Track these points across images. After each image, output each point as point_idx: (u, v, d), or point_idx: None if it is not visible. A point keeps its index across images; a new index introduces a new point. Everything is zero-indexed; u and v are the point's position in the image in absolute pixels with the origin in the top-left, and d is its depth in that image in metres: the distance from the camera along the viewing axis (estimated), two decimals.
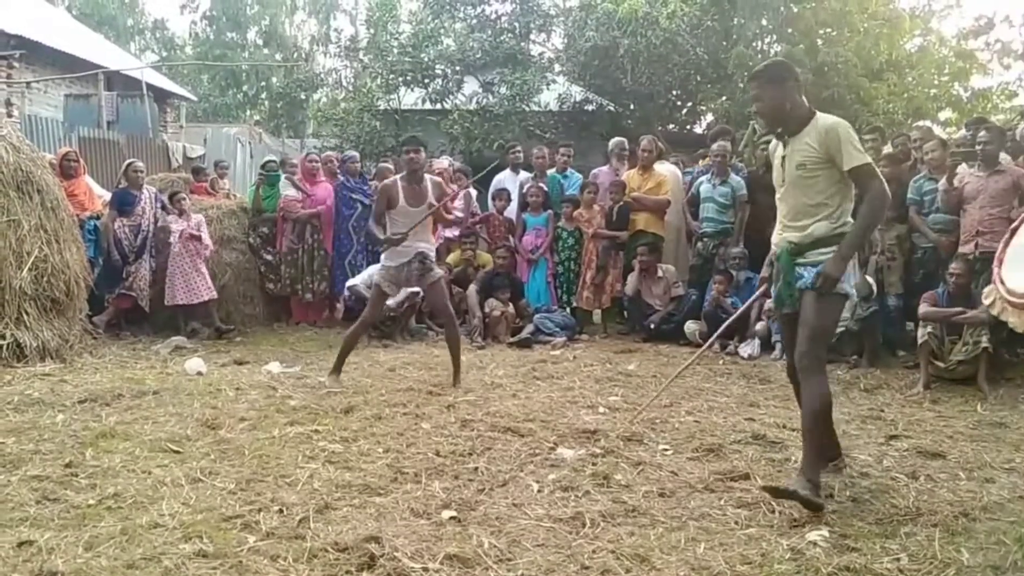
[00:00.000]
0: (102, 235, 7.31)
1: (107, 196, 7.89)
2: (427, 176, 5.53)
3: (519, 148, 9.18)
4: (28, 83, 13.79)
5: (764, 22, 15.80)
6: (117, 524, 2.83)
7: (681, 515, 3.08)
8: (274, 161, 8.82)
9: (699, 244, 7.65)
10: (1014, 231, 4.28)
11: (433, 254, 5.50)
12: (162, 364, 6.09)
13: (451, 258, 8.27)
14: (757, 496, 3.24)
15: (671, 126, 16.54)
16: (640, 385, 5.54)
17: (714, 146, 7.69)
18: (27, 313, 5.98)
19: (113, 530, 2.78)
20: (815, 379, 3.23)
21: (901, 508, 3.13)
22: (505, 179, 8.79)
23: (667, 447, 4.01)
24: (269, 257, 8.23)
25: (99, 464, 3.54)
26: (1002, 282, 3.95)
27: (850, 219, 3.29)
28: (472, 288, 7.60)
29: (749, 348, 6.80)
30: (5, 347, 5.75)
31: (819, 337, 3.27)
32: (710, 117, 16.29)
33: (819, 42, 15.13)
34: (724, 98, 15.17)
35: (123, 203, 7.38)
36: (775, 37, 16.20)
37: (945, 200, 6.19)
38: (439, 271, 5.50)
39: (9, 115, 11.90)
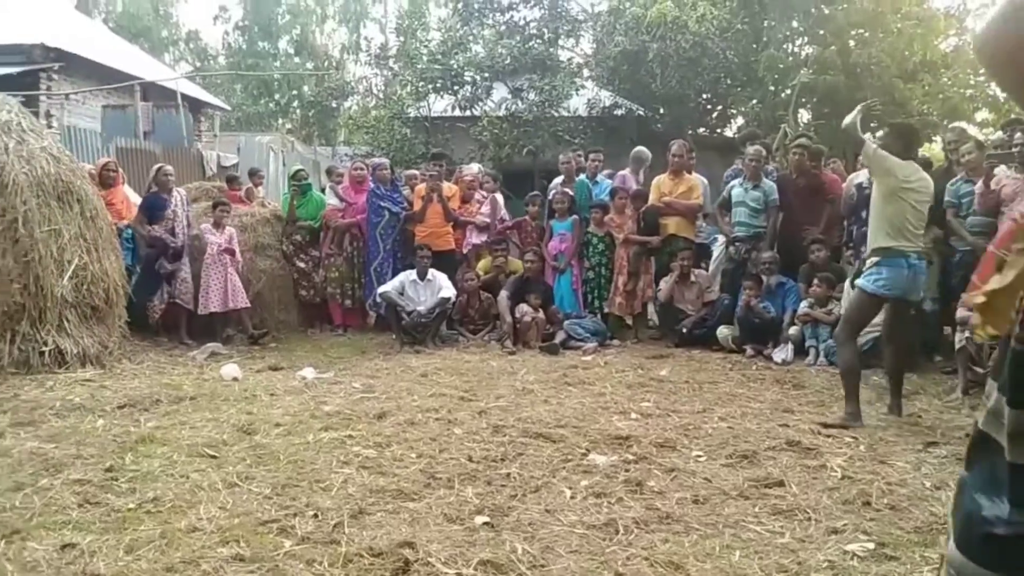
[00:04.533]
0: (138, 241, 7.46)
1: None
2: None
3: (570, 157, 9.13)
4: (67, 95, 14.08)
5: (795, 24, 15.70)
6: (156, 528, 2.89)
7: (716, 522, 3.06)
8: (303, 170, 8.94)
9: (731, 248, 7.61)
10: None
11: None
12: (198, 370, 6.19)
13: (481, 265, 8.30)
14: (792, 503, 3.21)
15: (701, 130, 16.46)
16: (672, 391, 5.51)
17: (750, 150, 7.63)
18: (68, 320, 6.10)
19: (153, 534, 2.83)
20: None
21: (940, 516, 3.07)
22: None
23: (700, 453, 3.99)
24: (302, 264, 8.34)
25: (138, 468, 3.61)
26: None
27: None
28: (503, 293, 7.62)
29: (782, 353, 6.73)
30: (47, 353, 5.88)
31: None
32: (740, 120, 16.21)
33: (851, 43, 14.98)
34: (755, 101, 15.09)
35: (154, 207, 7.52)
36: (806, 39, 16.08)
37: (982, 202, 6.09)
38: None
39: (49, 126, 12.14)
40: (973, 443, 1.16)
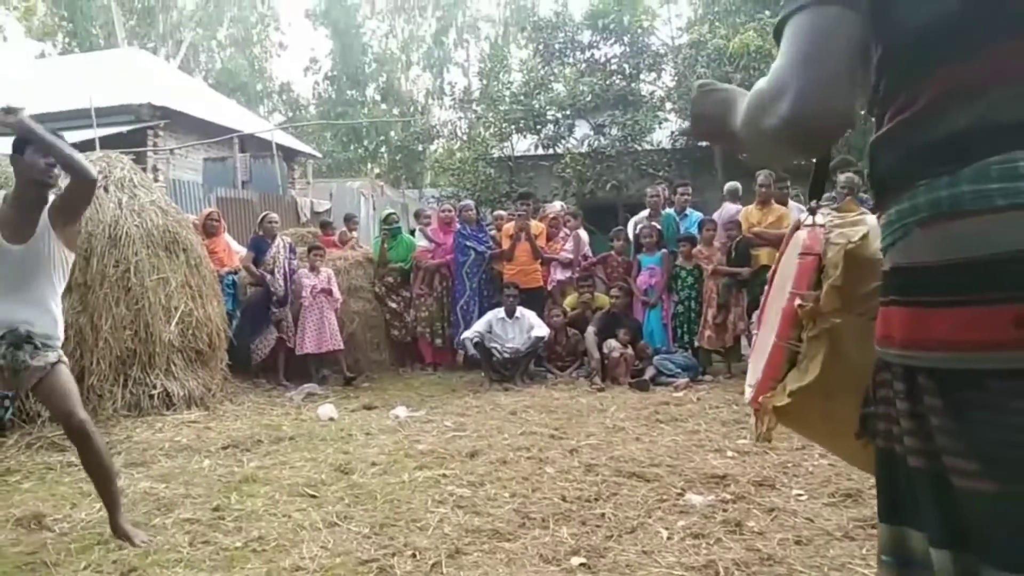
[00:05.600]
0: (239, 287, 7.82)
1: (243, 252, 8.42)
2: None
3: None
4: (172, 150, 14.91)
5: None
6: (263, 567, 2.97)
7: (820, 564, 2.95)
8: (395, 214, 9.21)
9: None
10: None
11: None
12: (296, 410, 6.38)
13: (568, 301, 8.32)
14: None
15: None
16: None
17: (841, 177, 7.44)
18: (175, 364, 6.40)
19: (259, 572, 2.92)
20: None
21: None
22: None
23: (801, 492, 3.85)
24: (394, 305, 8.55)
25: (243, 508, 3.73)
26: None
27: None
28: (590, 329, 7.60)
29: None
30: (156, 396, 6.17)
31: None
32: None
33: None
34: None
35: (257, 250, 7.90)
36: None
37: None
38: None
39: (156, 180, 12.88)
40: None
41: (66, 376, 3.29)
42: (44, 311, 3.26)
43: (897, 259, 1.06)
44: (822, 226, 1.55)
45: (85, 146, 9.05)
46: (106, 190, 6.46)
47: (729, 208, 8.47)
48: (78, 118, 12.23)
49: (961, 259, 0.96)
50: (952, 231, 0.97)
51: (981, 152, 0.95)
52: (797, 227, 1.63)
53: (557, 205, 9.98)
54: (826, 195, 6.14)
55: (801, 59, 1.03)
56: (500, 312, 7.75)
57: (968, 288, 0.95)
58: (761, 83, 1.06)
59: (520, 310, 7.70)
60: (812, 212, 1.57)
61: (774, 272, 1.73)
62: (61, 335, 3.35)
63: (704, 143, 14.06)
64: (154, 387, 6.21)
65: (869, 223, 1.48)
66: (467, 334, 7.75)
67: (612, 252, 8.45)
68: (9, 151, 3.26)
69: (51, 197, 3.34)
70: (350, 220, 10.74)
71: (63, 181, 3.37)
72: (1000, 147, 0.94)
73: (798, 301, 1.49)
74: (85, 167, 3.17)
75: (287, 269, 7.92)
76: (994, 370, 0.92)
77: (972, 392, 0.94)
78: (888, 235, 1.07)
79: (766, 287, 1.78)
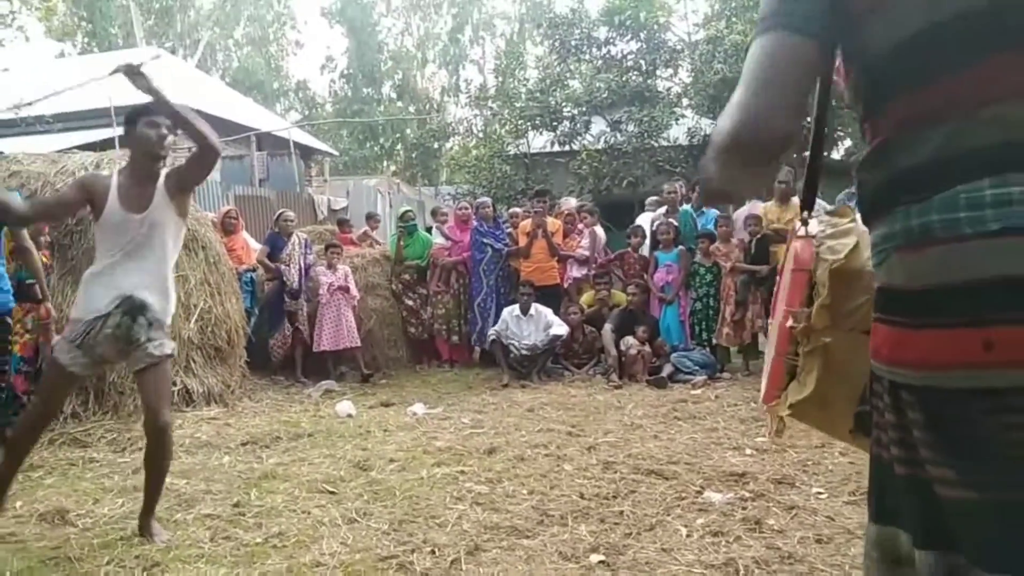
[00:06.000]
0: (256, 284, 7.86)
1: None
2: None
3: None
4: (190, 148, 14.98)
5: None
6: (283, 562, 2.99)
7: (841, 563, 2.93)
8: (411, 211, 9.23)
9: None
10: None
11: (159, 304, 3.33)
12: (314, 407, 6.41)
13: (585, 298, 8.30)
14: None
15: (807, 154, 16.00)
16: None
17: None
18: (194, 361, 6.44)
19: (280, 568, 2.94)
20: None
21: None
22: (643, 218, 8.81)
23: (821, 490, 3.83)
24: (411, 302, 8.57)
25: (263, 504, 3.76)
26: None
27: None
28: (607, 327, 7.59)
29: None
30: (176, 393, 6.21)
31: None
32: (848, 143, 15.70)
33: None
34: None
35: (273, 246, 7.96)
36: None
37: None
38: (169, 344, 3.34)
39: None
40: None
41: (169, 374, 3.38)
42: (160, 278, 3.32)
43: (881, 280, 1.11)
44: (813, 237, 1.59)
45: (105, 145, 9.14)
46: None
47: (759, 205, 8.41)
48: (98, 117, 12.33)
49: (932, 285, 1.00)
50: (923, 258, 1.01)
51: (950, 180, 0.99)
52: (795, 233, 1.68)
53: (572, 202, 9.95)
54: (845, 191, 6.04)
55: (745, 82, 1.10)
56: (515, 309, 7.76)
57: (940, 312, 1.00)
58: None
59: (535, 307, 7.70)
60: (804, 223, 1.61)
61: (781, 272, 1.77)
62: (172, 309, 3.41)
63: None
64: (174, 384, 6.25)
65: (860, 231, 1.52)
66: (492, 331, 7.78)
67: (629, 249, 8.42)
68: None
69: (163, 169, 3.38)
70: (371, 218, 10.78)
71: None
72: (968, 175, 0.98)
73: (790, 322, 1.55)
74: (210, 136, 3.18)
75: (303, 264, 7.96)
76: (969, 388, 0.97)
77: (950, 408, 0.99)
78: (874, 256, 1.13)
79: (775, 288, 1.82)
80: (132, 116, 3.31)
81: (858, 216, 1.62)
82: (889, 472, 1.11)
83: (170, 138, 3.33)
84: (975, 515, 0.97)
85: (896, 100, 1.07)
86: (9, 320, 4.47)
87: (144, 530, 3.31)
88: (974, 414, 0.97)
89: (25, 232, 4.54)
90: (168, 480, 4.16)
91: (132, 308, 3.21)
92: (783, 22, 1.08)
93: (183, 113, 3.17)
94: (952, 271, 0.98)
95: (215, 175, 14.61)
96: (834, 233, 1.59)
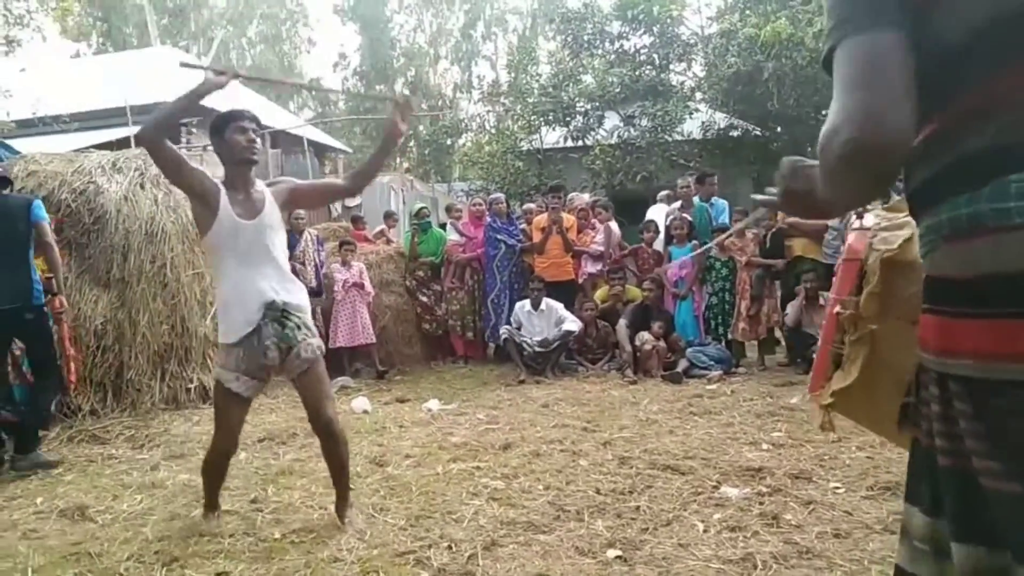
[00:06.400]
0: None
1: None
2: None
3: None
4: (204, 147, 15.07)
5: None
6: (301, 558, 3.01)
7: (860, 558, 2.91)
8: (425, 208, 9.23)
9: None
10: None
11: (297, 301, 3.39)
12: None
13: (599, 294, 8.28)
14: None
15: None
16: (804, 419, 5.29)
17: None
18: (210, 358, 6.48)
19: (298, 563, 2.96)
20: None
21: None
22: (654, 211, 8.78)
23: (839, 485, 3.81)
24: (425, 299, 8.58)
25: (280, 500, 3.78)
26: None
27: None
28: (622, 322, 7.57)
29: None
30: (192, 390, 6.26)
31: None
32: None
33: None
34: None
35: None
36: None
37: None
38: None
39: None
40: None
41: (323, 372, 3.39)
42: (287, 278, 3.34)
43: (929, 270, 1.10)
44: (868, 229, 1.58)
45: (121, 144, 9.20)
46: (142, 187, 6.55)
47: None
48: (114, 116, 12.40)
49: (980, 275, 1.00)
50: (972, 247, 1.01)
51: (1003, 170, 0.99)
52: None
53: (584, 197, 9.93)
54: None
55: (851, 86, 1.05)
56: (526, 305, 7.76)
57: (988, 302, 0.99)
58: (824, 126, 1.09)
59: (546, 302, 7.69)
60: (859, 216, 1.60)
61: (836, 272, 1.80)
62: (308, 302, 3.43)
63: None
64: (191, 381, 6.30)
65: (915, 224, 1.50)
66: (502, 329, 7.79)
67: (643, 244, 8.40)
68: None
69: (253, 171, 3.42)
70: (390, 217, 10.79)
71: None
72: (1019, 165, 0.98)
73: (838, 308, 1.54)
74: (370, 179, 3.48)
75: (317, 261, 7.98)
76: (1018, 380, 0.96)
77: (998, 399, 0.98)
78: (922, 246, 1.12)
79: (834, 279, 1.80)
80: (219, 124, 3.28)
81: None
82: (934, 462, 1.10)
83: (259, 141, 3.34)
84: (1021, 509, 0.96)
85: (955, 92, 1.07)
86: (47, 309, 4.73)
87: (341, 519, 3.36)
88: (1022, 405, 0.96)
89: (49, 227, 4.72)
90: (186, 476, 4.23)
91: (276, 314, 3.22)
92: (870, 21, 1.06)
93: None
94: (1001, 261, 0.97)
95: None
96: (889, 226, 1.58)
